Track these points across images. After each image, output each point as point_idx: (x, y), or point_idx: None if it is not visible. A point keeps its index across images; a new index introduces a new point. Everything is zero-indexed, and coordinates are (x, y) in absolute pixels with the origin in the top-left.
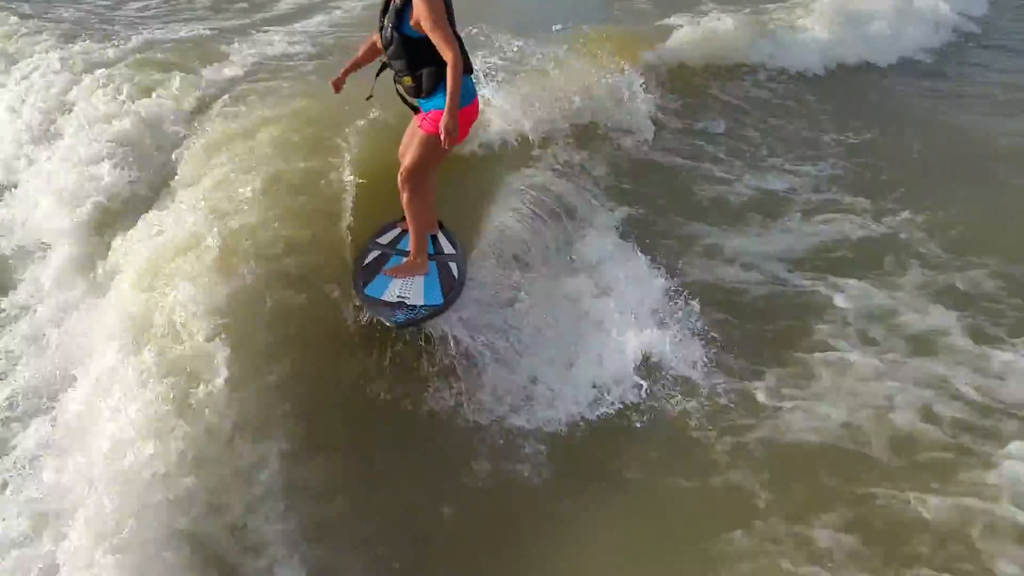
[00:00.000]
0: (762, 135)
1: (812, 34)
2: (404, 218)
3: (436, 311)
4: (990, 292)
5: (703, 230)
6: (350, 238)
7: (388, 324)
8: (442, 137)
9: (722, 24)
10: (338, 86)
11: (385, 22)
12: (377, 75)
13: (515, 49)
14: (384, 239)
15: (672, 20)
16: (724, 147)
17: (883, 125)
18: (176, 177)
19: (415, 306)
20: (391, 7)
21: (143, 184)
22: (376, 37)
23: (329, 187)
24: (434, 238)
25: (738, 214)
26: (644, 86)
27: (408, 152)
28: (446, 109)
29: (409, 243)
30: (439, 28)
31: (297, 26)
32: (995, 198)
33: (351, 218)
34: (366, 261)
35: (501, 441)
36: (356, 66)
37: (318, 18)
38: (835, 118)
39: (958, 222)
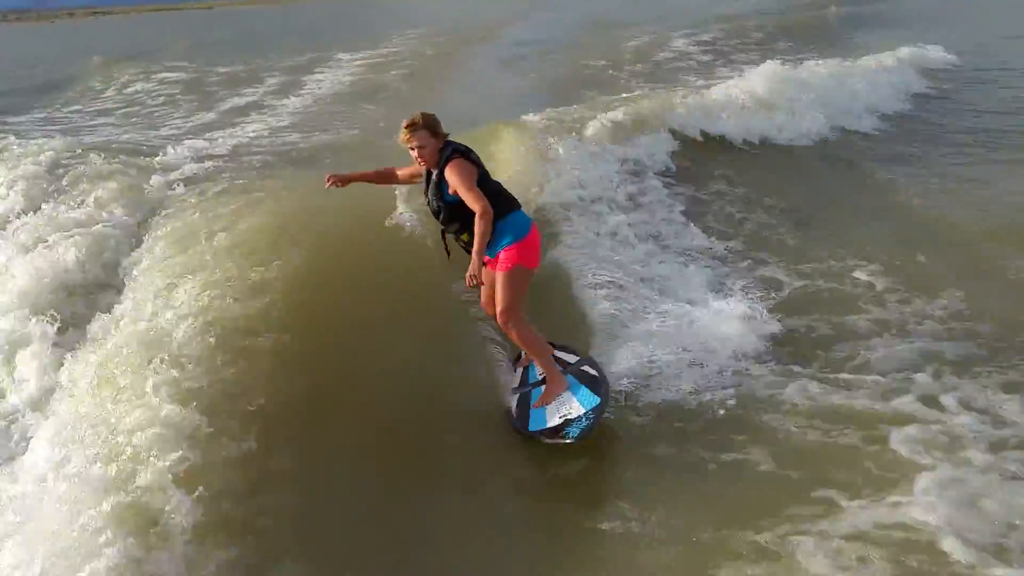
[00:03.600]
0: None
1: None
2: (518, 357)
3: (600, 410)
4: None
5: None
6: None
7: (566, 441)
8: (467, 282)
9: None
10: (338, 183)
11: (430, 196)
12: (443, 238)
13: None
14: (515, 383)
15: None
16: None
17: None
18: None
19: (579, 415)
20: (431, 182)
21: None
22: (395, 169)
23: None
24: (553, 357)
25: None
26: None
27: (496, 298)
28: (473, 258)
29: (538, 372)
30: (469, 192)
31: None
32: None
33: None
34: (516, 410)
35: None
36: (363, 180)
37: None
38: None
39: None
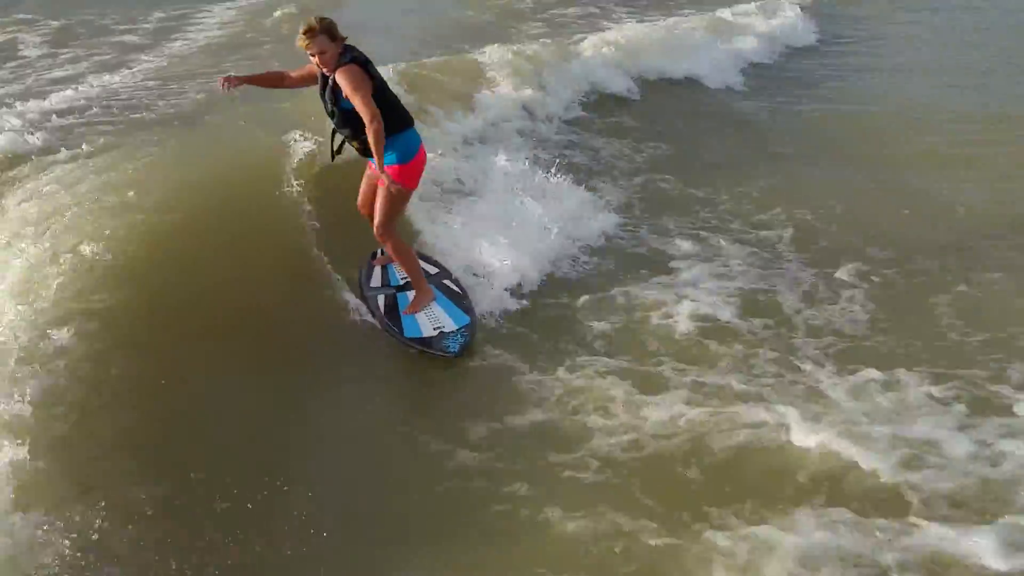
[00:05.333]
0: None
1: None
2: (373, 255)
3: (472, 328)
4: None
5: None
6: None
7: (449, 355)
8: (392, 193)
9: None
10: (231, 84)
11: (326, 99)
12: (332, 136)
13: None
14: (375, 282)
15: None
16: None
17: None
18: None
19: (454, 331)
20: (328, 87)
21: None
22: (286, 73)
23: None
24: None
25: None
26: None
27: (375, 210)
28: (381, 168)
29: (399, 277)
30: (356, 95)
31: None
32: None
33: None
34: (382, 308)
35: None
36: (255, 82)
37: None
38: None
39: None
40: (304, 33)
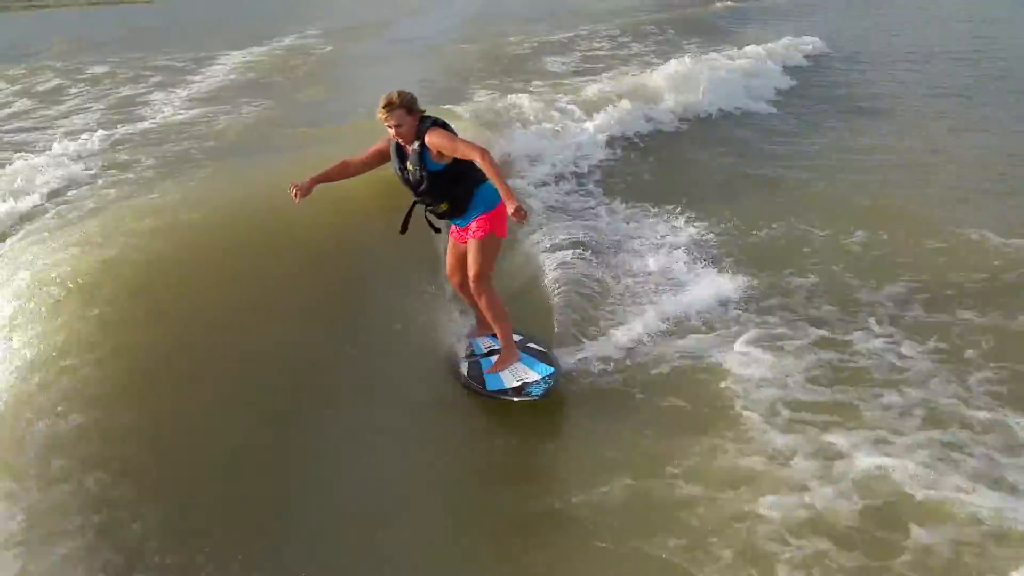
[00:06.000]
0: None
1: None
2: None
3: (556, 375)
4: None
5: None
6: None
7: (533, 399)
8: (520, 215)
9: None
10: (304, 193)
11: (411, 169)
12: (411, 210)
13: None
14: (460, 354)
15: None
16: None
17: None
18: None
19: (536, 380)
20: (410, 154)
21: None
22: (349, 161)
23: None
24: (493, 335)
25: None
26: None
27: (470, 262)
28: (503, 194)
29: (483, 347)
30: (458, 143)
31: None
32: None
33: None
34: (467, 372)
35: None
36: (325, 180)
37: None
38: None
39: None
40: (384, 107)
